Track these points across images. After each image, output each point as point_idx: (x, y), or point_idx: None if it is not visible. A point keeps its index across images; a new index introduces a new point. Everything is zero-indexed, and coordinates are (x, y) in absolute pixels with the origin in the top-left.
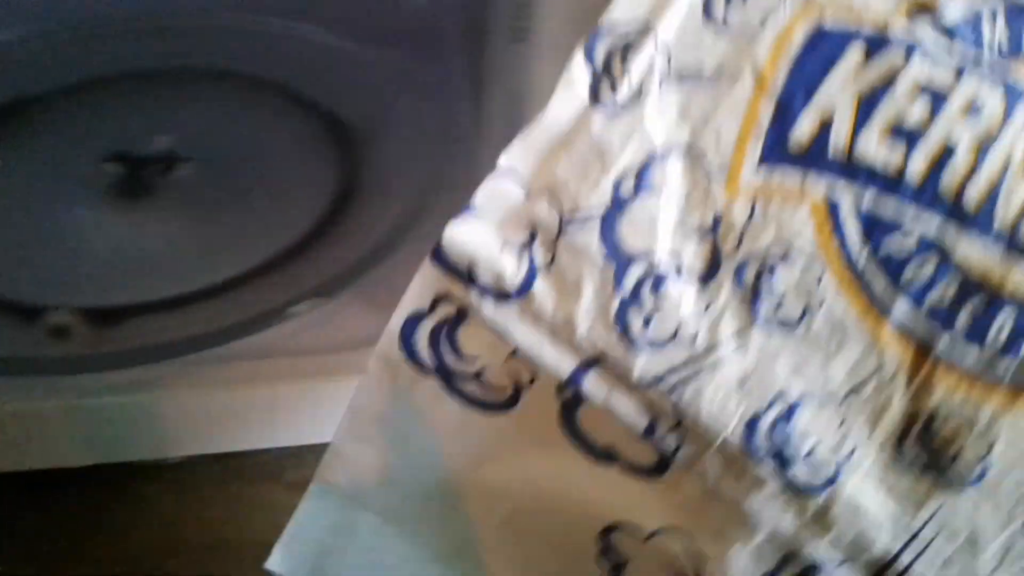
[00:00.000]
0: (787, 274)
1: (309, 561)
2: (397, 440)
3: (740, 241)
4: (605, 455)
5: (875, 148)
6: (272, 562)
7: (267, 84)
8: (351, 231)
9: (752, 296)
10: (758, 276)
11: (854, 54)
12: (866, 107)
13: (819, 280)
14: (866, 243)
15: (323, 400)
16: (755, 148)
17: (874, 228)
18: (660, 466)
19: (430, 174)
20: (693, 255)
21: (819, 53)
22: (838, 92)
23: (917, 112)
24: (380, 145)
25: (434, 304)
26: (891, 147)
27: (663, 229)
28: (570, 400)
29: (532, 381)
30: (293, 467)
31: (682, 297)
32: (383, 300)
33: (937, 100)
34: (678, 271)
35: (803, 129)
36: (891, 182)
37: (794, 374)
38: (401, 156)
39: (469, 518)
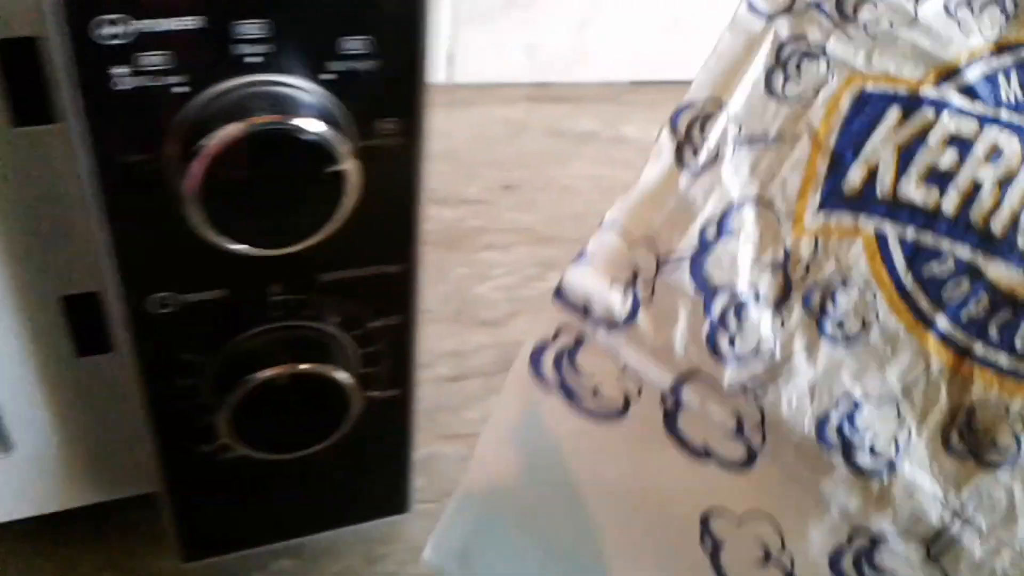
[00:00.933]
0: (846, 297)
1: (456, 555)
2: (528, 449)
3: (806, 272)
4: (702, 453)
5: (914, 190)
6: (427, 552)
7: None
8: None
9: (818, 317)
10: (822, 300)
11: (893, 113)
12: (905, 157)
13: (873, 301)
14: (910, 268)
15: None
16: (815, 196)
17: (917, 256)
18: (748, 460)
19: None
20: (768, 285)
21: (864, 115)
22: (881, 146)
23: (948, 159)
24: None
25: (556, 334)
26: (928, 189)
27: (742, 265)
28: (671, 408)
29: (639, 393)
30: None
31: (760, 320)
32: None
33: (964, 148)
34: (756, 299)
35: (854, 178)
36: (929, 217)
37: (856, 379)
38: None
39: (589, 513)
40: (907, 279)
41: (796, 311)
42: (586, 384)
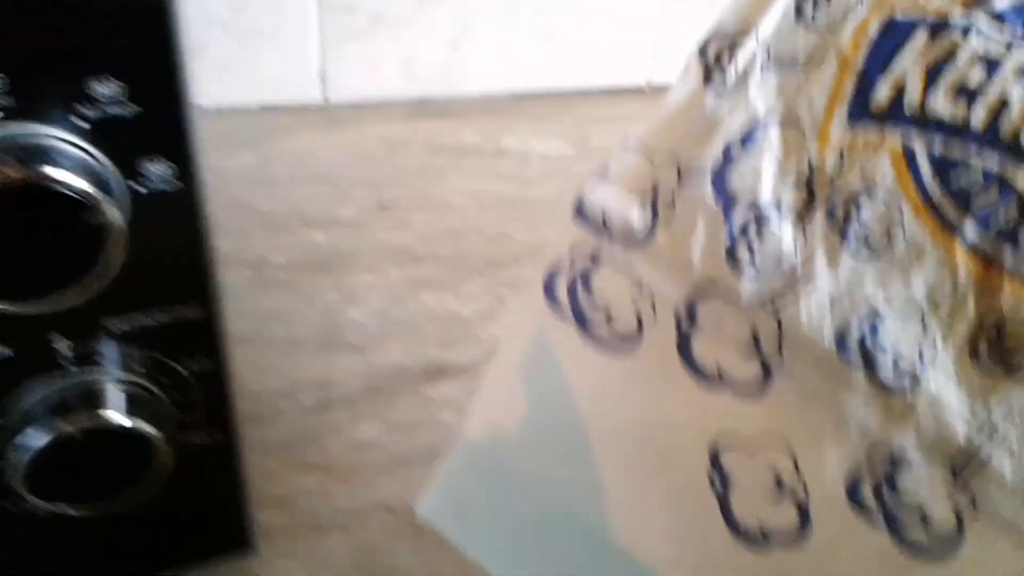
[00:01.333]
0: (871, 208)
1: (452, 507)
2: (536, 389)
3: (831, 184)
4: (715, 378)
5: (943, 104)
6: (421, 508)
7: None
8: None
9: (842, 228)
10: (847, 212)
11: (921, 36)
12: (933, 74)
13: (899, 211)
14: (938, 179)
15: None
16: (841, 113)
17: (944, 167)
18: (763, 381)
19: None
20: (791, 197)
21: (892, 38)
22: (909, 65)
23: (976, 76)
24: None
25: (572, 257)
26: (956, 103)
27: (766, 178)
28: (686, 329)
29: (654, 316)
30: None
31: (782, 231)
32: None
33: (992, 66)
34: (779, 211)
35: (881, 94)
36: (957, 130)
37: (880, 291)
38: None
39: (593, 460)
40: (934, 189)
41: (819, 223)
42: (600, 309)
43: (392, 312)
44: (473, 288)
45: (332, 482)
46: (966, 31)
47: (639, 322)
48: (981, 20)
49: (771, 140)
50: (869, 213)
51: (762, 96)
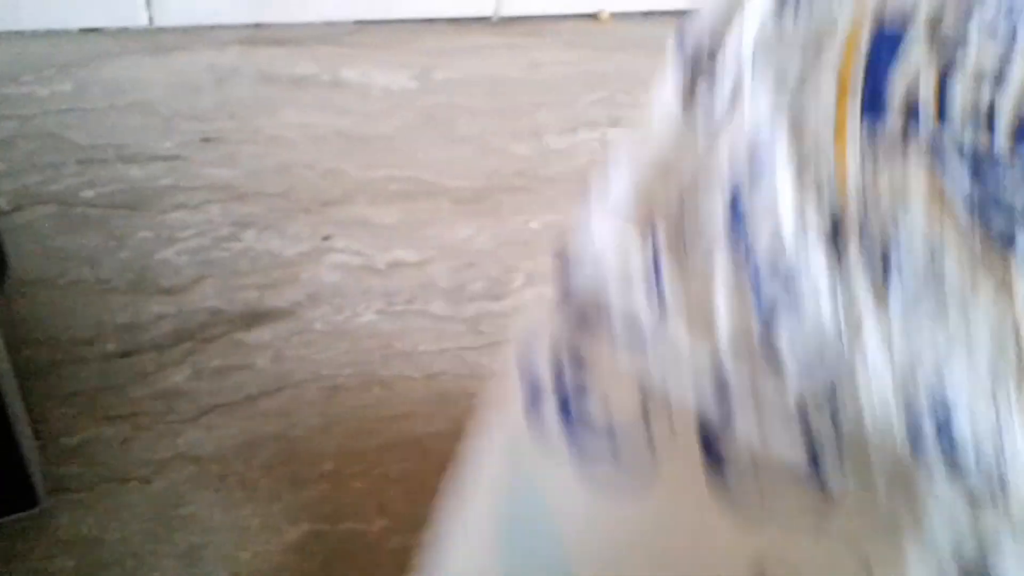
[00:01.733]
0: (909, 247)
1: None
2: (518, 552)
3: (860, 224)
4: (762, 516)
5: (959, 126)
6: None
7: None
8: None
9: (883, 269)
10: (884, 252)
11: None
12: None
13: (940, 248)
14: (976, 215)
15: None
16: (854, 138)
17: (977, 199)
18: (822, 504)
19: None
20: (817, 236)
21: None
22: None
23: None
24: None
25: (559, 367)
26: (976, 128)
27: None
28: (717, 447)
29: (670, 438)
30: None
31: (819, 294)
32: None
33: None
34: (807, 266)
35: (892, 121)
36: (984, 158)
37: (941, 346)
38: None
39: None
40: (971, 223)
41: (855, 262)
42: (601, 432)
43: (210, 252)
44: (300, 227)
45: (134, 432)
46: (960, 41)
47: (650, 442)
48: (973, 30)
49: (778, 158)
50: (907, 252)
51: (761, 119)
